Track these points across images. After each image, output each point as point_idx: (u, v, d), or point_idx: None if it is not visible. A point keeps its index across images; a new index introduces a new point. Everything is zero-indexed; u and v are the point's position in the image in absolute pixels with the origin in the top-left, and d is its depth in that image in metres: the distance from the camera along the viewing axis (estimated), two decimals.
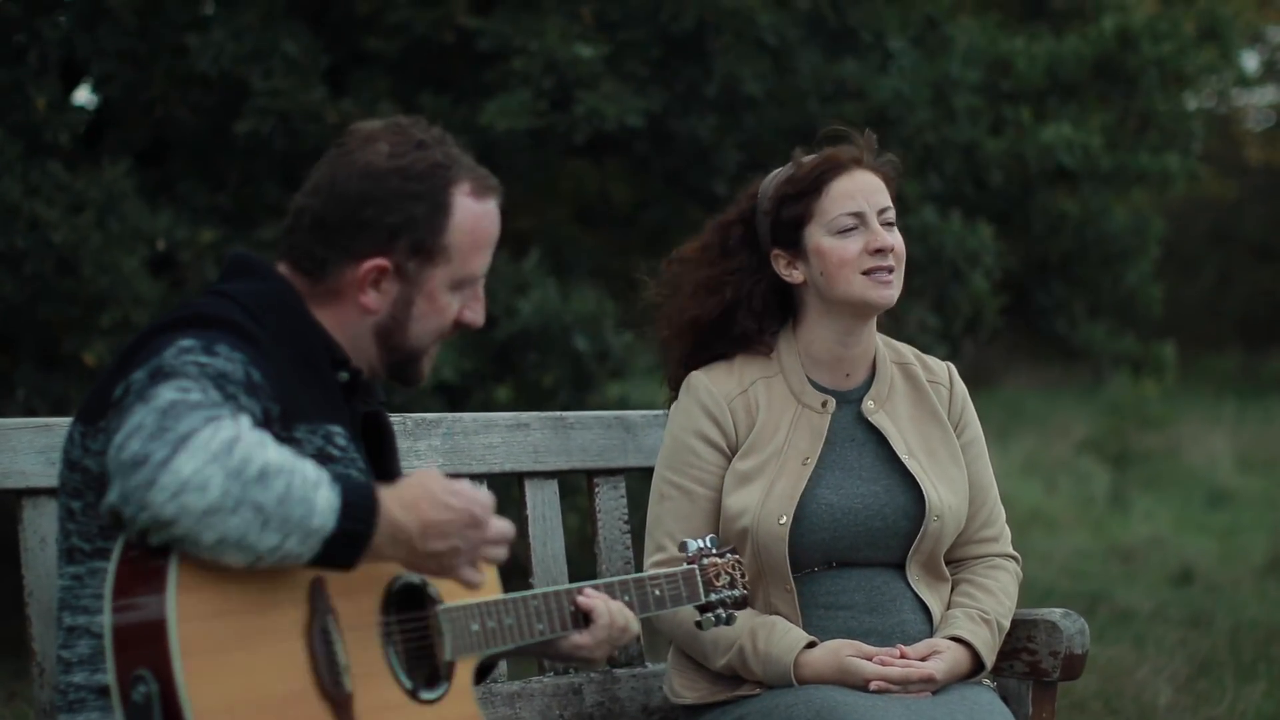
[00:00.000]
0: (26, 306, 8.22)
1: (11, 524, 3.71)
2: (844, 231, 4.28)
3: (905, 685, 4.11)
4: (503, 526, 3.31)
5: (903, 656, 4.15)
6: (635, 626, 3.78)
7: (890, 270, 4.28)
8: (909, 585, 4.30)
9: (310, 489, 3.06)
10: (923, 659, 4.17)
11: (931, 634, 4.29)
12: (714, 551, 3.93)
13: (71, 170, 8.25)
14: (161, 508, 2.95)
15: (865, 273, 4.26)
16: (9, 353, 8.63)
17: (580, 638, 3.70)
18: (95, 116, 9.22)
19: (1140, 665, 8.76)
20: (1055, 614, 4.44)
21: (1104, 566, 12.58)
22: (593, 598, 3.70)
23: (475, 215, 3.47)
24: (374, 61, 9.32)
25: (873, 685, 4.09)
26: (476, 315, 3.53)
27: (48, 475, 3.65)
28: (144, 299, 8.09)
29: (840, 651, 4.15)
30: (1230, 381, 25.18)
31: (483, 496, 3.27)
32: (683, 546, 3.96)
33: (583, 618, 3.70)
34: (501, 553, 3.34)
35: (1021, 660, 4.45)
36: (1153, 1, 12.03)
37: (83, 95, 9.68)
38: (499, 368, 9.36)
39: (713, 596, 3.90)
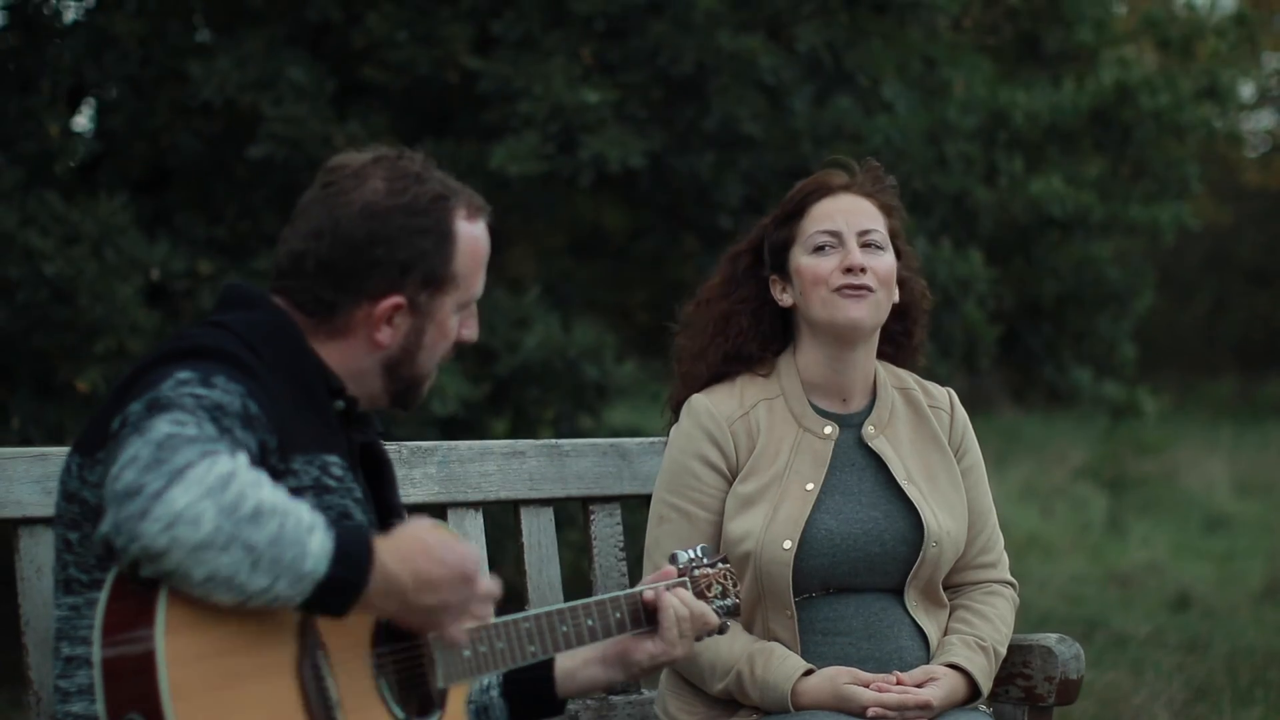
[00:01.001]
0: (22, 335, 8.23)
1: (8, 553, 3.72)
2: (819, 249, 4.29)
3: (902, 712, 4.11)
4: (491, 585, 3.32)
5: (899, 683, 4.15)
6: (713, 617, 3.81)
7: (865, 290, 4.27)
8: (907, 611, 4.30)
9: (304, 532, 3.04)
10: (919, 685, 4.17)
11: (928, 660, 4.29)
12: (705, 562, 3.93)
13: (69, 201, 8.27)
14: (154, 539, 2.95)
15: (836, 291, 4.27)
16: (4, 381, 8.63)
17: (655, 645, 3.75)
18: (94, 147, 9.24)
19: (1137, 690, 8.75)
20: (1050, 639, 4.44)
21: (1101, 592, 12.57)
22: (661, 595, 3.75)
23: (474, 238, 3.50)
24: (372, 93, 9.34)
25: (870, 713, 4.09)
26: (472, 332, 3.56)
27: (44, 505, 3.65)
28: (139, 327, 8.11)
29: (837, 679, 4.15)
30: (1227, 406, 25.17)
31: (473, 553, 3.27)
32: (673, 558, 3.96)
33: (646, 619, 3.73)
34: (489, 611, 3.34)
35: (1017, 685, 4.46)
36: (1151, 53, 12.03)
37: (82, 122, 9.71)
38: (498, 402, 9.36)
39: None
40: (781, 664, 4.16)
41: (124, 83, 8.67)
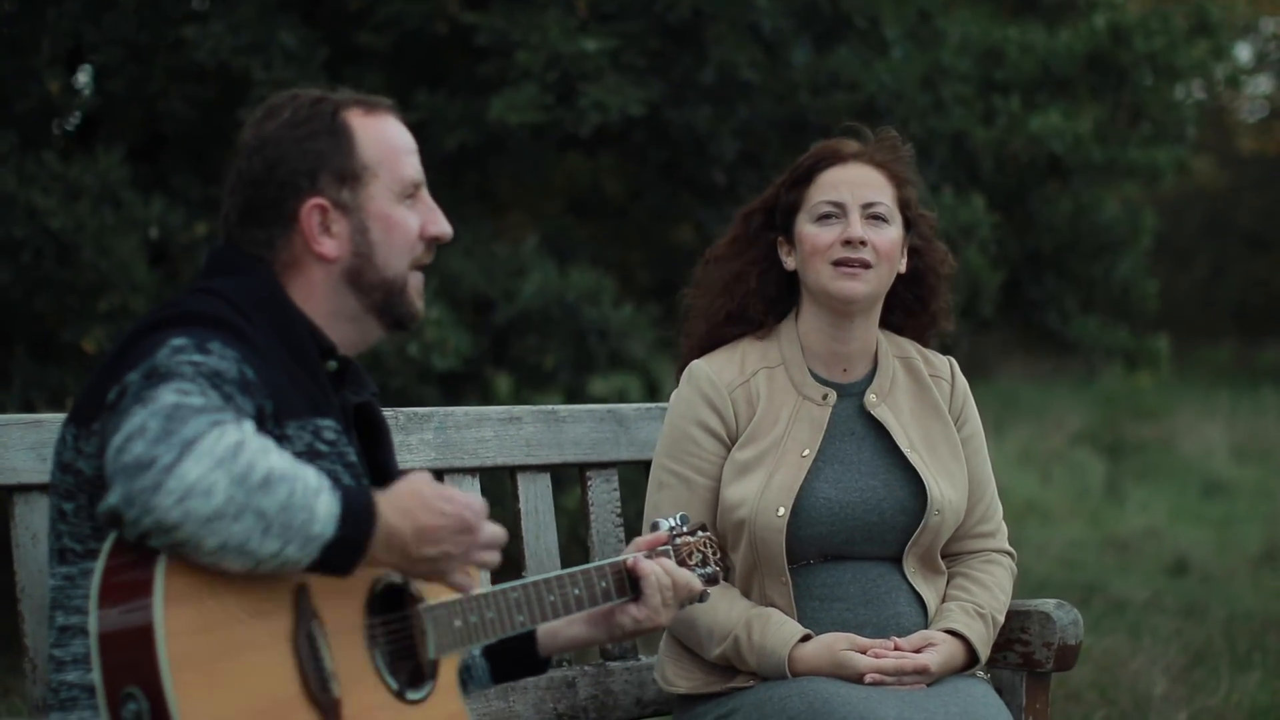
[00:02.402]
0: (23, 299, 8.22)
1: (3, 520, 3.71)
2: (822, 219, 4.28)
3: (899, 677, 4.11)
4: (495, 531, 3.31)
5: (896, 649, 4.15)
6: (697, 584, 3.80)
7: (863, 265, 4.26)
8: (904, 578, 4.30)
9: (312, 496, 3.04)
10: (916, 651, 4.16)
11: (926, 627, 4.28)
12: (684, 530, 3.92)
13: (65, 159, 8.26)
14: (167, 512, 2.94)
15: (835, 264, 4.26)
16: (5, 344, 8.63)
17: (638, 611, 3.73)
18: (90, 110, 9.23)
19: (1135, 656, 8.76)
20: (1049, 605, 4.44)
21: (1099, 557, 12.59)
22: (641, 563, 3.74)
23: (377, 127, 3.47)
24: (367, 56, 9.32)
25: (867, 678, 4.09)
26: (440, 226, 3.51)
27: (39, 471, 3.64)
28: (140, 285, 8.10)
29: (834, 645, 4.14)
30: (1225, 372, 25.19)
31: (475, 501, 3.26)
32: (654, 526, 3.95)
33: (630, 587, 3.73)
34: (494, 557, 3.33)
35: (1015, 651, 4.45)
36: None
37: (82, 80, 9.69)
38: (498, 353, 9.35)
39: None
40: (779, 630, 4.16)
41: (121, 47, 8.64)
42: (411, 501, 3.20)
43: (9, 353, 8.54)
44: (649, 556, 3.80)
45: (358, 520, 3.11)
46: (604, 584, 3.70)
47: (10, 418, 3.69)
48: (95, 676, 3.02)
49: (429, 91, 9.04)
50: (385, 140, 3.47)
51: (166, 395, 3.03)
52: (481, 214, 9.85)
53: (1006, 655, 4.46)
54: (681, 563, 3.88)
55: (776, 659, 4.14)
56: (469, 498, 3.26)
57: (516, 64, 8.62)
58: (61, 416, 3.67)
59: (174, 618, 2.99)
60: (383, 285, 3.46)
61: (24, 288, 8.15)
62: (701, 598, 3.87)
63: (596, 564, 3.72)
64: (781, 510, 4.19)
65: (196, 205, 8.74)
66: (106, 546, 3.06)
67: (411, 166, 3.49)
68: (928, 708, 4.04)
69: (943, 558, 4.37)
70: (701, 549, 3.92)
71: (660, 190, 10.49)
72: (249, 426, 3.05)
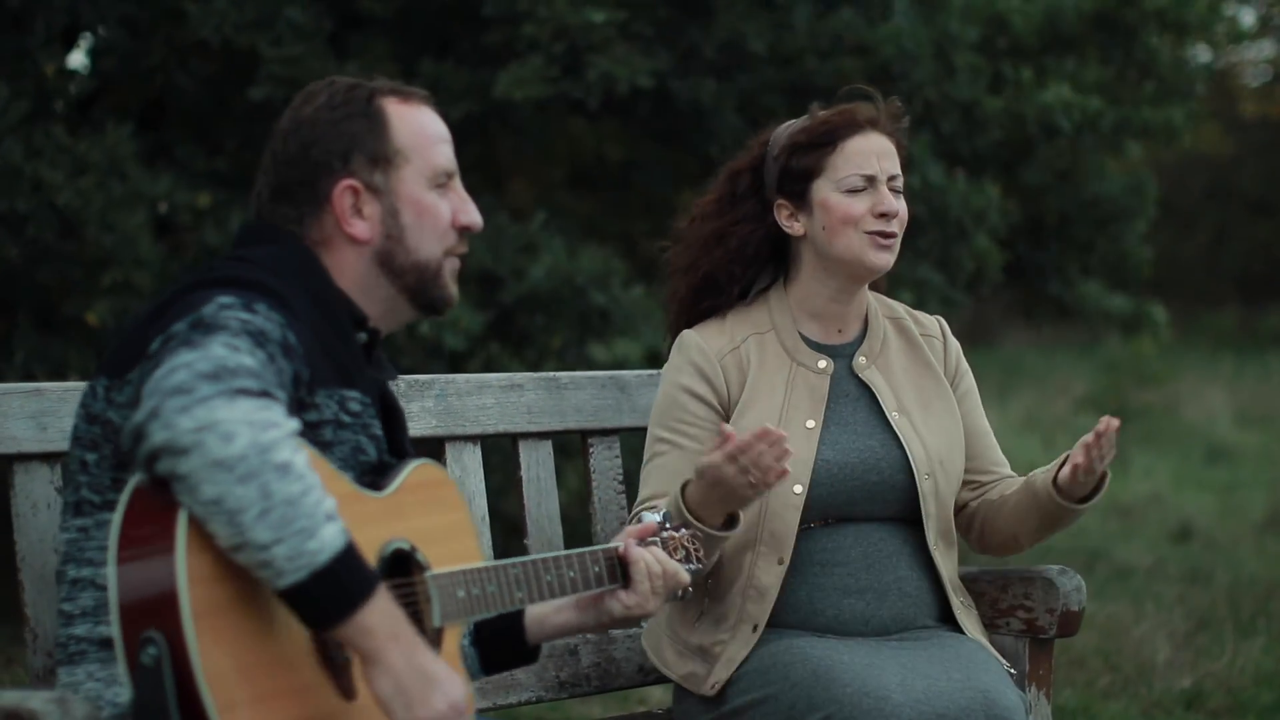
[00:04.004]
0: (25, 271, 8.21)
1: (3, 489, 3.70)
2: (854, 191, 4.28)
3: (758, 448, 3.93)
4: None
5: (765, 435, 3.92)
6: (683, 574, 3.79)
7: (892, 235, 4.29)
8: (905, 542, 4.29)
9: (322, 514, 3.00)
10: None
11: (929, 592, 4.29)
12: (669, 526, 3.91)
13: (73, 134, 8.24)
14: (182, 434, 2.92)
15: (868, 234, 4.27)
16: (7, 317, 8.62)
17: (629, 597, 3.72)
18: (91, 83, 9.20)
19: (1139, 622, 8.78)
20: (1052, 571, 4.44)
21: (1103, 523, 12.58)
22: (632, 550, 3.72)
23: (412, 114, 3.49)
24: (371, 24, 9.29)
25: (726, 450, 3.90)
26: (471, 215, 3.51)
27: (39, 440, 3.64)
28: (145, 260, 8.09)
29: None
30: (1228, 337, 25.19)
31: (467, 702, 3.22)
32: (638, 519, 3.94)
33: (621, 574, 3.72)
34: None
35: (1018, 618, 4.45)
36: None
37: (77, 59, 9.66)
38: (502, 331, 9.33)
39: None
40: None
41: (119, 24, 8.61)
42: (426, 660, 3.12)
43: (12, 324, 8.54)
44: (638, 545, 3.79)
45: (357, 571, 3.04)
46: (596, 569, 3.70)
47: (10, 386, 3.68)
48: (113, 620, 3.01)
49: (434, 61, 9.01)
50: (419, 127, 3.49)
51: (216, 346, 3.03)
52: (484, 185, 9.83)
53: (1009, 622, 4.46)
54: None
55: (674, 502, 4.03)
56: (462, 696, 3.20)
57: (523, 35, 8.59)
58: (64, 385, 3.69)
59: (195, 565, 2.98)
60: (414, 269, 3.47)
61: (28, 260, 8.14)
62: (684, 592, 3.85)
63: (590, 549, 3.71)
64: (799, 488, 4.19)
65: (201, 177, 8.72)
66: (125, 495, 3.05)
67: (444, 155, 3.50)
68: (930, 674, 4.04)
69: (961, 506, 4.41)
70: (685, 545, 3.91)
71: (662, 162, 10.47)
72: (293, 423, 3.03)
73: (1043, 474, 4.29)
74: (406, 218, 3.45)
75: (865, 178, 4.28)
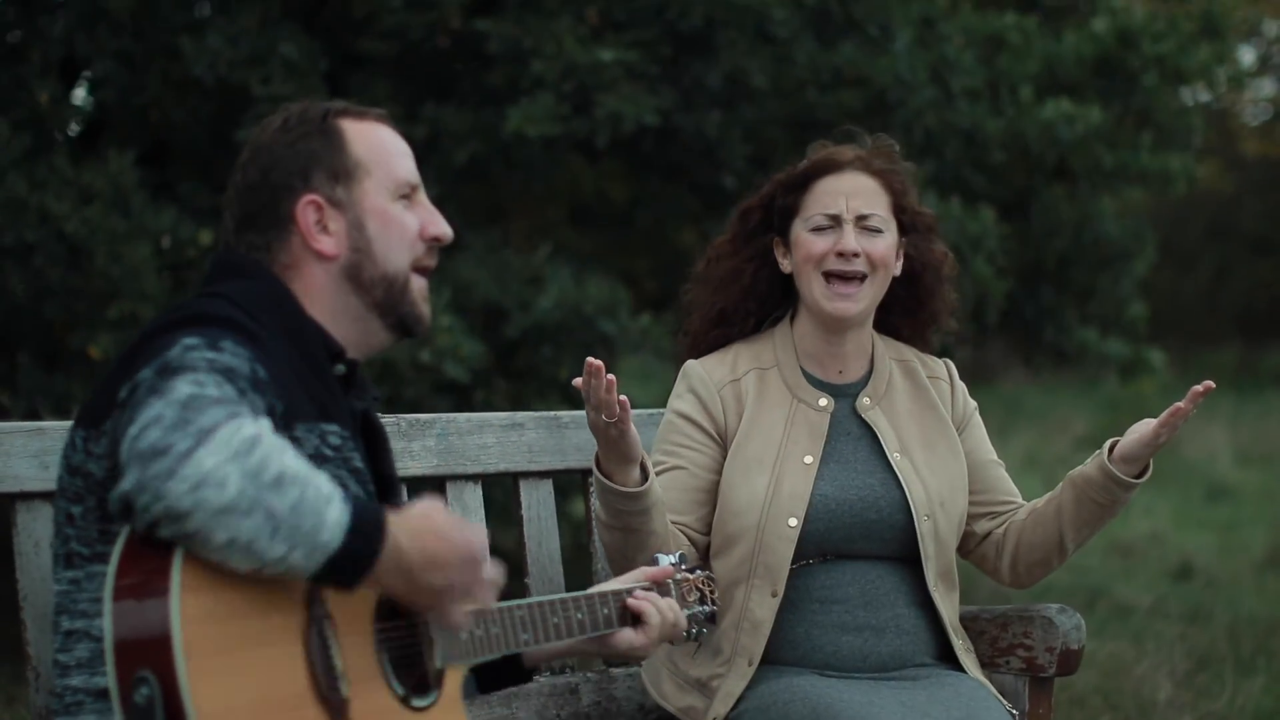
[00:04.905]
0: (30, 305, 8.22)
1: (5, 529, 3.71)
2: (818, 229, 4.32)
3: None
4: (494, 571, 3.31)
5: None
6: (684, 621, 3.81)
7: (857, 278, 4.30)
8: (904, 580, 4.30)
9: (323, 503, 3.03)
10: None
11: (927, 630, 4.31)
12: (684, 567, 3.93)
13: (76, 165, 8.26)
14: (179, 499, 2.93)
15: (826, 275, 4.30)
16: (11, 353, 8.62)
17: (636, 638, 3.73)
18: (93, 117, 9.23)
19: (1140, 660, 8.77)
20: (1051, 609, 4.45)
21: (1103, 562, 12.58)
22: (641, 599, 3.74)
23: (368, 129, 3.51)
24: (370, 64, 9.31)
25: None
26: (440, 226, 3.52)
27: (42, 479, 3.64)
28: (150, 294, 8.09)
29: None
30: (1229, 376, 25.13)
31: (480, 536, 3.26)
32: (654, 561, 3.96)
33: (630, 617, 3.73)
34: (491, 596, 3.33)
35: (1018, 656, 4.46)
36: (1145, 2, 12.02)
37: (80, 95, 9.69)
38: (507, 365, 9.33)
39: (685, 612, 3.90)
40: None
41: (115, 58, 8.63)
42: (422, 524, 3.19)
43: (14, 360, 8.54)
44: (649, 588, 3.80)
45: (367, 534, 3.09)
46: (606, 611, 3.71)
47: (13, 425, 3.69)
48: (108, 665, 3.01)
49: (436, 104, 9.03)
50: (377, 140, 3.50)
51: (181, 386, 3.03)
52: (488, 219, 9.84)
53: (1009, 660, 4.46)
54: (681, 599, 3.89)
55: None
56: (476, 530, 3.26)
57: (530, 73, 8.61)
58: (66, 424, 3.68)
59: (190, 606, 2.99)
60: (383, 281, 3.47)
61: (33, 293, 8.15)
62: (698, 636, 3.89)
63: (600, 590, 3.73)
64: (793, 520, 4.21)
65: (203, 213, 8.74)
66: (119, 544, 3.05)
67: (404, 168, 3.52)
68: (930, 713, 4.04)
69: (983, 537, 4.45)
70: (700, 587, 3.93)
71: (664, 198, 10.49)
72: (265, 423, 3.04)
73: (1087, 465, 4.35)
74: (372, 229, 3.46)
75: (829, 217, 4.31)
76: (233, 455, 2.96)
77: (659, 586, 3.82)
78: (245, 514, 2.96)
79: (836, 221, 4.31)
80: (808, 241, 4.32)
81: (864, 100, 9.13)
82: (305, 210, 3.43)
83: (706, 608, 3.92)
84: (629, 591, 3.75)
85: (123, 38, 8.56)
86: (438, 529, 3.20)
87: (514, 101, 8.66)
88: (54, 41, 8.38)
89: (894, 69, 9.25)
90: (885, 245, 4.33)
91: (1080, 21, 10.55)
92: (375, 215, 3.46)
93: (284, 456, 3.01)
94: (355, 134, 3.49)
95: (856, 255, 4.29)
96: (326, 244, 3.44)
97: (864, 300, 4.32)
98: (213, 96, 8.90)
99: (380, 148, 3.50)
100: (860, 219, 4.31)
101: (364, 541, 3.08)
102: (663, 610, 3.76)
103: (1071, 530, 4.37)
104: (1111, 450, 4.31)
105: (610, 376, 3.89)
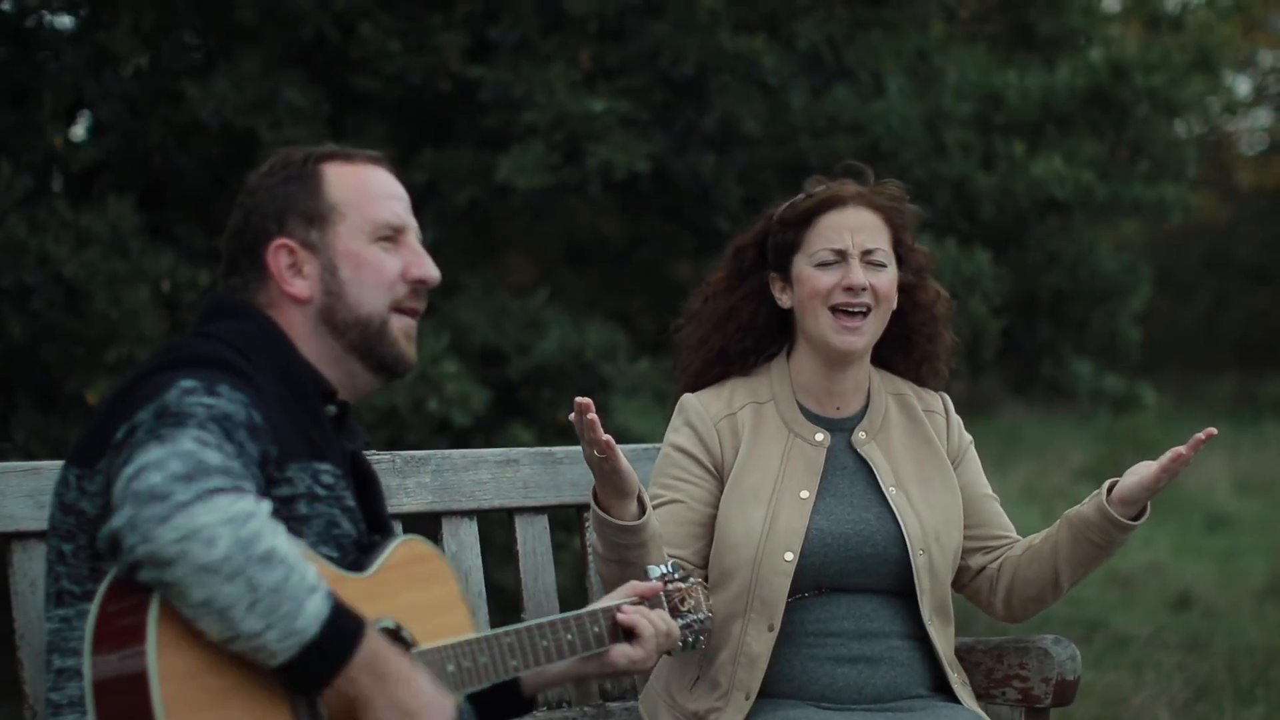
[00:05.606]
0: (28, 348, 8.23)
1: (1, 568, 3.72)
2: (824, 265, 4.32)
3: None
4: None
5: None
6: (676, 630, 3.81)
7: (862, 312, 4.31)
8: (898, 614, 4.31)
9: (305, 591, 3.03)
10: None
11: (921, 664, 4.30)
12: (676, 577, 3.93)
13: (74, 208, 8.28)
14: (165, 546, 2.95)
15: (833, 309, 4.30)
16: (8, 396, 8.63)
17: (634, 652, 3.73)
18: (93, 155, 9.25)
19: (1138, 691, 8.75)
20: (1046, 640, 4.45)
21: (1102, 592, 12.57)
22: (631, 613, 3.73)
23: (352, 172, 3.51)
24: (368, 104, 9.33)
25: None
26: (425, 269, 3.52)
27: (37, 519, 3.65)
28: (148, 337, 8.11)
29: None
30: (1227, 405, 25.16)
31: (451, 709, 3.26)
32: (645, 574, 3.96)
33: (622, 633, 3.73)
34: None
35: (1013, 687, 4.46)
36: (1138, 30, 12.04)
37: (78, 133, 9.71)
38: (506, 407, 9.34)
39: (679, 621, 3.89)
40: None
41: (120, 101, 8.66)
42: (402, 668, 3.17)
43: (12, 405, 8.54)
44: (638, 602, 3.80)
45: (342, 632, 3.09)
46: (596, 629, 3.70)
47: (8, 465, 3.70)
48: (88, 711, 3.02)
49: (434, 149, 9.05)
50: (359, 183, 3.51)
51: (186, 441, 3.04)
52: (484, 260, 9.85)
53: (1005, 691, 4.46)
54: (674, 609, 3.88)
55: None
56: (449, 703, 3.24)
57: (523, 120, 8.63)
58: (60, 464, 3.70)
59: (167, 661, 2.99)
60: (357, 325, 3.47)
61: (31, 336, 8.16)
62: (694, 644, 3.88)
63: (589, 609, 3.72)
64: (789, 555, 4.21)
65: (200, 255, 8.75)
66: (101, 590, 3.06)
67: (389, 210, 3.51)
68: None
69: (978, 571, 4.44)
70: (693, 595, 3.93)
71: (662, 238, 10.50)
72: (266, 505, 3.05)
73: (1084, 505, 4.34)
74: (345, 272, 3.46)
75: (835, 252, 4.32)
76: (228, 520, 2.97)
77: (647, 600, 3.82)
78: (227, 579, 2.97)
79: (842, 256, 4.32)
80: (813, 277, 4.33)
81: (856, 147, 9.14)
82: (277, 254, 3.45)
83: (701, 615, 3.92)
84: (617, 607, 3.75)
85: (128, 83, 8.59)
86: (410, 684, 3.18)
87: (507, 148, 8.68)
88: (64, 86, 8.41)
89: (887, 118, 9.28)
90: (889, 279, 4.35)
91: (1074, 55, 10.57)
92: (348, 258, 3.47)
93: (277, 538, 3.03)
94: (335, 177, 3.49)
95: (864, 289, 4.30)
96: (300, 287, 3.46)
97: (869, 334, 4.34)
98: (215, 140, 8.93)
99: (361, 191, 3.50)
100: (865, 254, 4.33)
101: (340, 638, 3.08)
102: (654, 622, 3.76)
103: (1067, 569, 4.37)
104: (1110, 491, 4.30)
105: (592, 416, 3.90)
